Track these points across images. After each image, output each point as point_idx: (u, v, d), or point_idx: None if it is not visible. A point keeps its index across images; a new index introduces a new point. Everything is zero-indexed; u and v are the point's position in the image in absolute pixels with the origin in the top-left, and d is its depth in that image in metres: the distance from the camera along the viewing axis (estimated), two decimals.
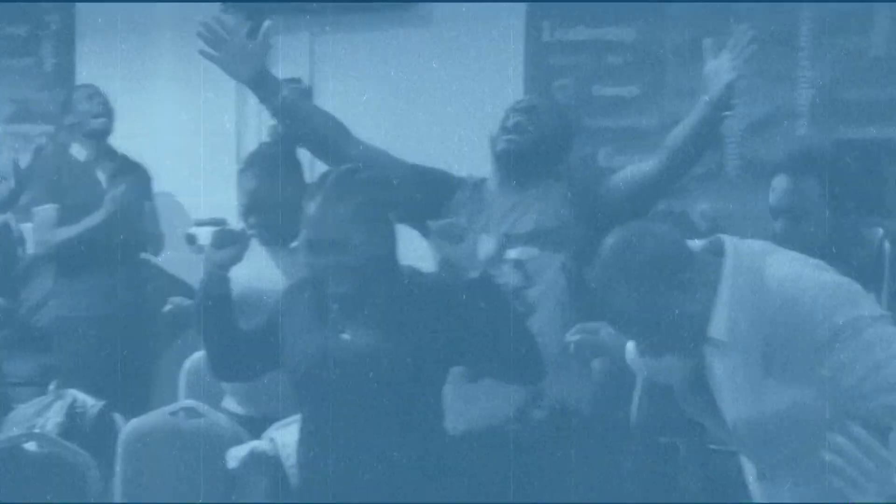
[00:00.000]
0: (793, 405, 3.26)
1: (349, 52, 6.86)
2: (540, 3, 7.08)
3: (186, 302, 5.68)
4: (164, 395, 6.13)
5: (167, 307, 5.95)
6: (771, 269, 3.39)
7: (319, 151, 4.74)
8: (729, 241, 3.41)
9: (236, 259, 4.11)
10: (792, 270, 3.39)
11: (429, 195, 4.62)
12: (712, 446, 5.99)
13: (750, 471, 3.68)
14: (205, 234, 4.58)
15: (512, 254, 4.54)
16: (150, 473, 5.13)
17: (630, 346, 3.78)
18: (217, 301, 4.10)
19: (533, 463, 4.56)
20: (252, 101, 6.60)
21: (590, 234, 4.36)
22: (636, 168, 4.68)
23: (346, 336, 4.00)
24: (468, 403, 4.48)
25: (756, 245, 3.35)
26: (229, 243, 4.11)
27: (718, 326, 3.36)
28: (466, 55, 6.89)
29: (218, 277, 4.09)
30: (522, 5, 7.14)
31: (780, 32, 6.64)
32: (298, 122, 4.72)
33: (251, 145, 6.43)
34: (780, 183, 4.39)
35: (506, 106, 4.73)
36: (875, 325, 3.23)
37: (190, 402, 5.17)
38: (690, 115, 4.48)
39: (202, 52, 4.54)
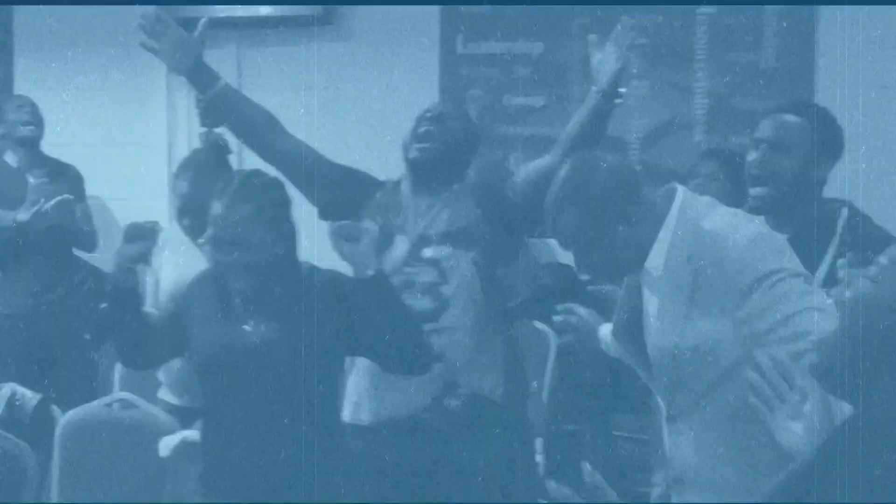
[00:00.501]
0: (710, 340, 3.33)
1: (274, 63, 6.92)
2: (453, 20, 7.16)
3: None
4: (100, 387, 6.17)
5: (103, 304, 5.95)
6: (711, 217, 3.49)
7: (251, 142, 4.78)
8: (680, 189, 3.52)
9: (145, 253, 4.16)
10: (729, 220, 3.49)
11: (351, 195, 4.67)
12: (616, 433, 6.11)
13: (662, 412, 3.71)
14: None
15: (427, 253, 4.57)
16: (86, 462, 5.11)
17: (604, 328, 3.88)
18: (125, 292, 4.12)
19: (447, 450, 4.58)
20: (182, 110, 6.68)
21: (498, 231, 4.58)
22: (535, 164, 4.69)
23: (247, 328, 4.07)
24: (386, 393, 4.53)
25: (704, 198, 3.46)
26: (139, 238, 4.14)
27: (655, 261, 3.46)
28: (384, 67, 7.01)
29: (126, 270, 4.12)
30: (437, 20, 7.21)
31: (677, 46, 6.83)
32: (232, 111, 4.75)
33: (182, 152, 6.46)
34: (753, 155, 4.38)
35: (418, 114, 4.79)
36: (793, 280, 3.31)
37: (125, 394, 5.18)
38: (582, 107, 4.54)
39: (143, 44, 4.59)
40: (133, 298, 4.17)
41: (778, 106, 4.32)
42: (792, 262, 3.39)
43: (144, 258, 4.19)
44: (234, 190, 4.02)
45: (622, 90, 4.48)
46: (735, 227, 3.47)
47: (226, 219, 3.98)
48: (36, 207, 6.18)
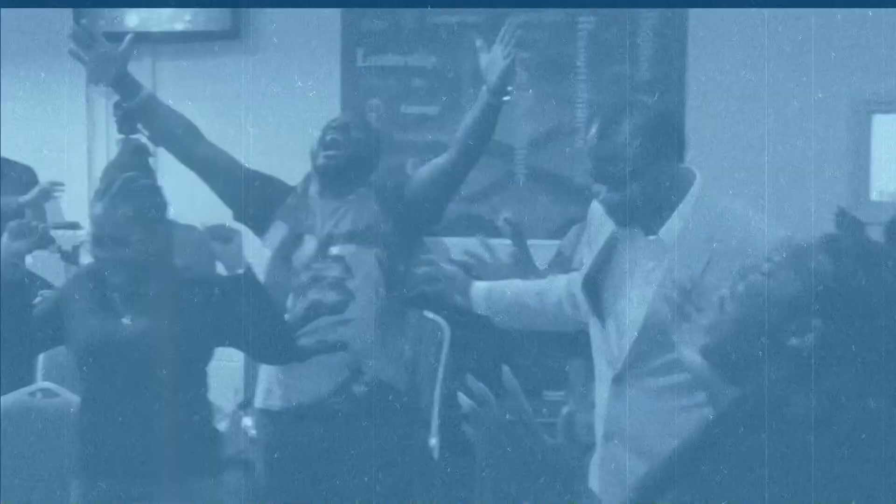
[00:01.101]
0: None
1: (187, 76, 6.92)
2: (353, 35, 7.21)
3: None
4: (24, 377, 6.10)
5: (37, 299, 5.97)
6: (725, 203, 3.59)
7: (172, 148, 4.78)
8: (698, 172, 3.62)
9: (28, 250, 4.21)
10: (742, 210, 3.57)
11: (263, 198, 4.74)
12: (509, 416, 6.12)
13: (606, 377, 3.75)
14: (60, 237, 4.62)
15: (333, 251, 4.62)
16: (8, 449, 4.97)
17: (476, 287, 4.03)
18: (11, 286, 4.15)
19: (352, 434, 4.63)
20: (101, 120, 6.67)
21: (398, 230, 4.68)
22: (431, 164, 4.75)
23: (126, 321, 4.13)
24: (296, 380, 4.57)
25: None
26: (22, 236, 4.16)
27: (669, 230, 3.54)
28: (289, 79, 7.03)
29: (12, 265, 4.13)
30: (339, 36, 7.27)
31: (561, 60, 6.96)
32: (155, 119, 4.78)
33: (102, 161, 6.50)
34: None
35: (323, 124, 4.83)
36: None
37: (47, 384, 5.10)
38: (473, 107, 4.59)
39: (71, 52, 4.57)
40: (18, 291, 4.20)
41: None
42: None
43: (26, 254, 4.23)
44: (114, 192, 4.10)
45: (510, 88, 4.51)
46: (747, 219, 3.56)
47: (106, 218, 4.05)
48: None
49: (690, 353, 3.15)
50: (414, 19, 7.12)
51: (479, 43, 4.52)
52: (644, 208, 3.62)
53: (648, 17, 7.00)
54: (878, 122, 6.89)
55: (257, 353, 4.51)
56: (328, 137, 4.67)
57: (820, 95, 6.58)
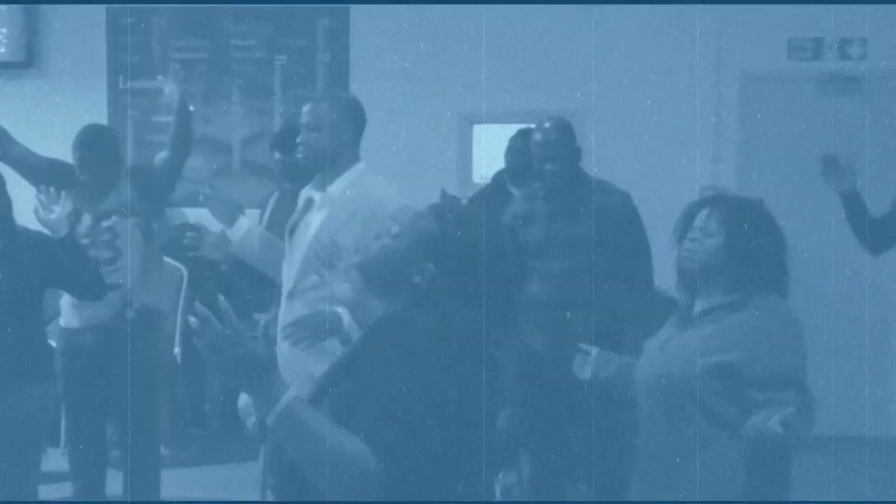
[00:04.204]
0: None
1: None
2: (115, 66, 7.06)
3: None
4: None
5: None
6: (373, 181, 3.78)
7: None
8: (363, 160, 3.81)
9: None
10: (385, 188, 3.76)
11: (58, 180, 4.63)
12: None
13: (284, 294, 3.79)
14: None
15: (105, 223, 4.75)
16: None
17: (237, 229, 4.05)
18: None
19: (124, 345, 4.66)
20: None
21: (147, 201, 4.81)
22: (159, 157, 4.96)
23: None
24: (86, 308, 4.70)
25: None
26: None
27: (331, 191, 3.75)
28: (72, 100, 6.88)
29: None
30: (104, 66, 7.17)
31: (263, 85, 7.18)
32: None
33: None
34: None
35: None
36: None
37: None
38: (174, 117, 4.85)
39: None
40: None
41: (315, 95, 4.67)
42: None
43: None
44: None
45: (191, 108, 4.90)
46: (391, 193, 3.75)
47: None
48: None
49: (339, 287, 3.36)
50: (159, 53, 7.15)
51: (159, 78, 4.97)
52: (315, 171, 3.83)
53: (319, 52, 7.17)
54: (477, 130, 7.05)
55: (76, 293, 4.58)
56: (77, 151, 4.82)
57: (448, 113, 6.90)
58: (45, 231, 4.32)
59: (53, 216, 4.24)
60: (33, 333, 4.39)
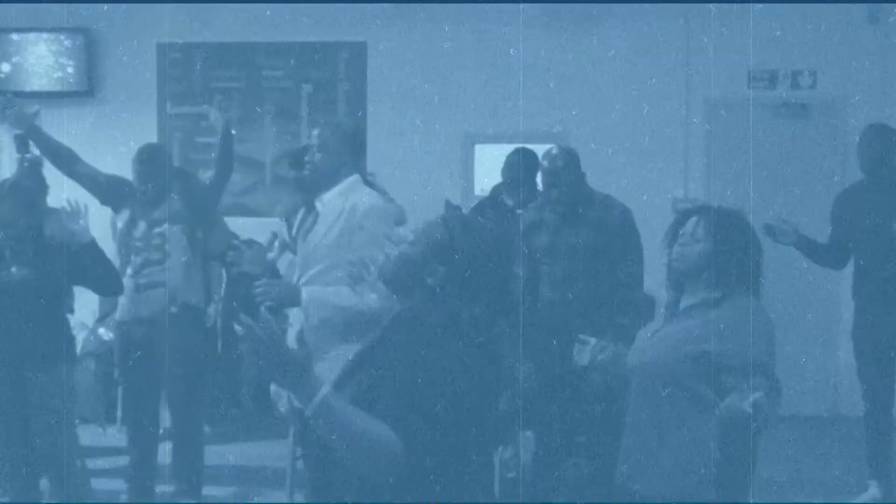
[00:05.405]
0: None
1: (62, 119, 6.32)
2: (163, 91, 7.06)
3: None
4: None
5: None
6: (370, 193, 3.69)
7: (57, 163, 4.78)
8: (358, 173, 3.73)
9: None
10: (383, 198, 3.74)
11: (116, 192, 4.82)
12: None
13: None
14: None
15: (157, 229, 4.74)
16: None
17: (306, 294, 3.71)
18: None
19: (176, 338, 4.69)
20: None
21: (195, 212, 4.79)
22: (208, 175, 4.92)
23: (13, 270, 4.25)
24: (138, 303, 4.72)
25: None
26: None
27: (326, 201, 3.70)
28: (126, 122, 6.93)
29: None
30: (154, 93, 7.14)
31: (291, 110, 7.16)
32: (42, 144, 4.74)
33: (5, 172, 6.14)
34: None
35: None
36: None
37: None
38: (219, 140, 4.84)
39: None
40: None
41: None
42: None
43: None
44: (4, 191, 4.34)
45: (233, 132, 4.88)
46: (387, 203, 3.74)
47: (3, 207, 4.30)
48: None
49: (368, 297, 3.30)
50: (201, 83, 7.16)
51: (217, 104, 4.87)
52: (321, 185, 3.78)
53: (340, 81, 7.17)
54: (479, 149, 7.08)
55: (97, 289, 4.66)
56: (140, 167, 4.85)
57: (453, 134, 6.89)
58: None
59: (78, 226, 4.20)
60: (60, 323, 4.39)
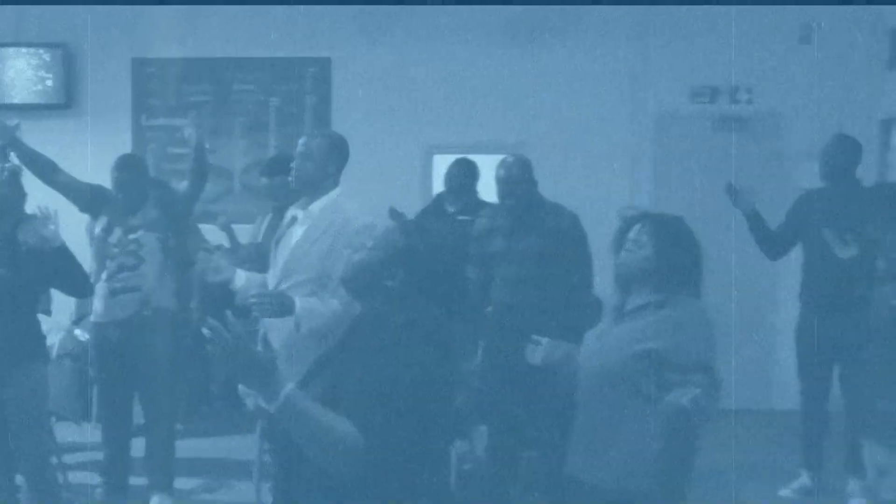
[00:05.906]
0: None
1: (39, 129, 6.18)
2: (140, 105, 6.91)
3: None
4: None
5: None
6: (349, 206, 3.65)
7: (37, 172, 4.66)
8: (342, 184, 3.68)
9: None
10: (355, 211, 3.64)
11: (93, 200, 4.74)
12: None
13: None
14: None
15: (132, 235, 4.68)
16: None
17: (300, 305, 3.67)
18: None
19: (144, 338, 4.67)
20: None
21: (170, 220, 4.73)
22: (182, 185, 4.84)
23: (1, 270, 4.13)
24: (112, 307, 4.64)
25: None
26: None
27: (312, 209, 3.66)
28: (102, 134, 6.81)
29: None
30: (129, 106, 7.09)
31: (259, 123, 7.11)
32: (22, 154, 4.62)
33: None
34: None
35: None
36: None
37: None
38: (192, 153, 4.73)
39: None
40: None
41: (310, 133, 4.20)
42: None
43: None
44: None
45: (207, 145, 4.79)
46: (359, 214, 3.61)
47: None
48: None
49: (330, 303, 3.31)
50: (174, 96, 7.08)
51: (191, 119, 4.78)
52: (302, 193, 3.76)
53: (307, 95, 7.10)
54: (437, 159, 6.94)
55: (67, 290, 4.44)
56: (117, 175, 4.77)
57: (412, 145, 6.87)
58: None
59: (49, 231, 4.11)
60: (32, 323, 4.30)
